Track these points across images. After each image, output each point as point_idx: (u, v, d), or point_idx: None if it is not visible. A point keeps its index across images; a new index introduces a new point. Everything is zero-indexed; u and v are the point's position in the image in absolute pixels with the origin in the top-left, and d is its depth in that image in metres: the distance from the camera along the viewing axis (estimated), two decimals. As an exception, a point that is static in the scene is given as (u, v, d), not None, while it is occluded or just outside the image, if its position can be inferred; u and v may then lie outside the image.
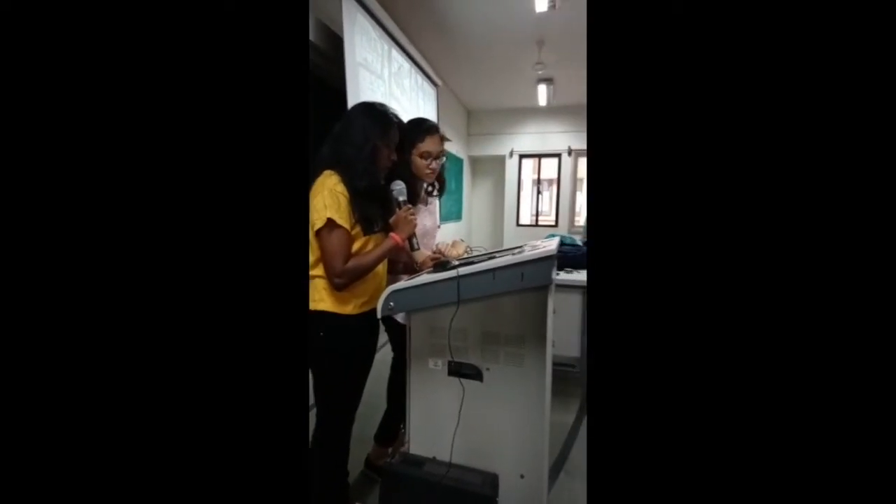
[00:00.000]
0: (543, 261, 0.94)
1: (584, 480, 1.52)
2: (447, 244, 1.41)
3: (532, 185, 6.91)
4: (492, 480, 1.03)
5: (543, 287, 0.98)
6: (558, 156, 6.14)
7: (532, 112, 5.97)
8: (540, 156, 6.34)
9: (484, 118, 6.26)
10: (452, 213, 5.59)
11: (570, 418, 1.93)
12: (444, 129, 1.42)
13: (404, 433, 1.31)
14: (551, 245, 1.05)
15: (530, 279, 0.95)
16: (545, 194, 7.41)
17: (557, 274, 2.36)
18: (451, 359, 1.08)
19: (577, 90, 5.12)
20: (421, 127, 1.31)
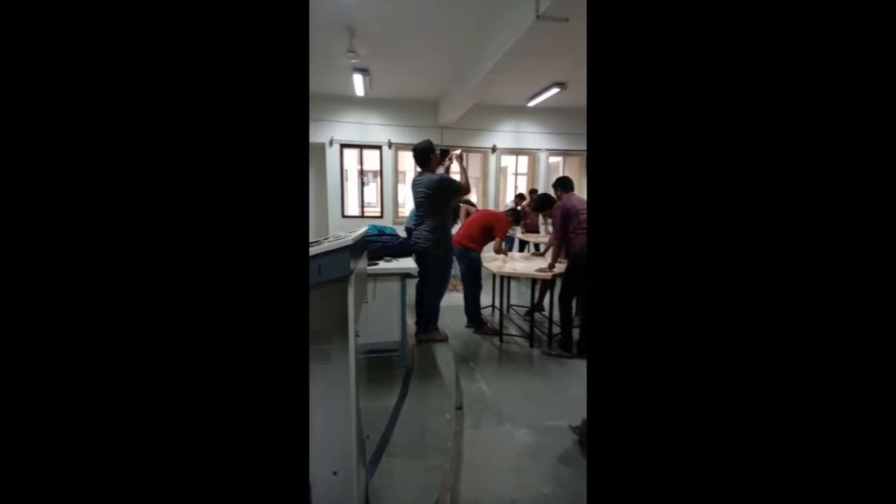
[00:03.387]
0: (339, 252, 0.92)
1: (408, 459, 1.65)
2: None
3: (357, 175, 6.85)
4: (301, 486, 0.97)
5: (343, 279, 0.96)
6: (379, 147, 6.24)
7: (351, 101, 5.87)
8: (361, 146, 6.31)
9: (299, 102, 5.82)
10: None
11: (394, 401, 2.01)
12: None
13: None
14: (349, 236, 1.04)
15: (328, 272, 0.92)
16: (371, 186, 7.45)
17: (377, 263, 2.41)
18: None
19: (394, 84, 5.27)
20: None
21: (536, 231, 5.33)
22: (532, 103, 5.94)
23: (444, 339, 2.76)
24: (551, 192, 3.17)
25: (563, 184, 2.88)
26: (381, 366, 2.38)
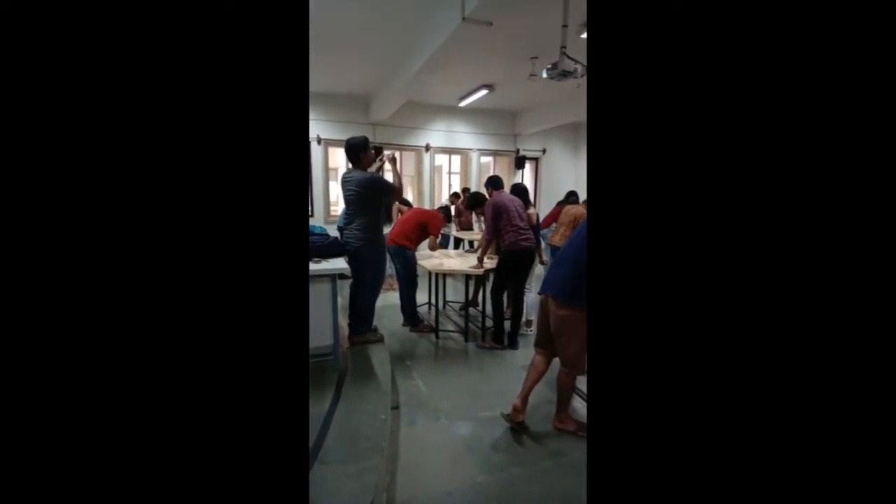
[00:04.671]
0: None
1: (340, 464, 1.60)
2: None
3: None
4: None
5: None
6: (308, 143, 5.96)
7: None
8: (289, 142, 5.97)
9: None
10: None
11: (327, 406, 1.95)
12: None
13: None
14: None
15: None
16: (300, 183, 7.08)
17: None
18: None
19: (324, 78, 5.07)
20: None
21: (470, 229, 5.46)
22: (463, 103, 6.07)
23: (380, 340, 2.72)
24: (483, 191, 3.27)
25: (494, 182, 2.99)
26: (313, 371, 2.29)
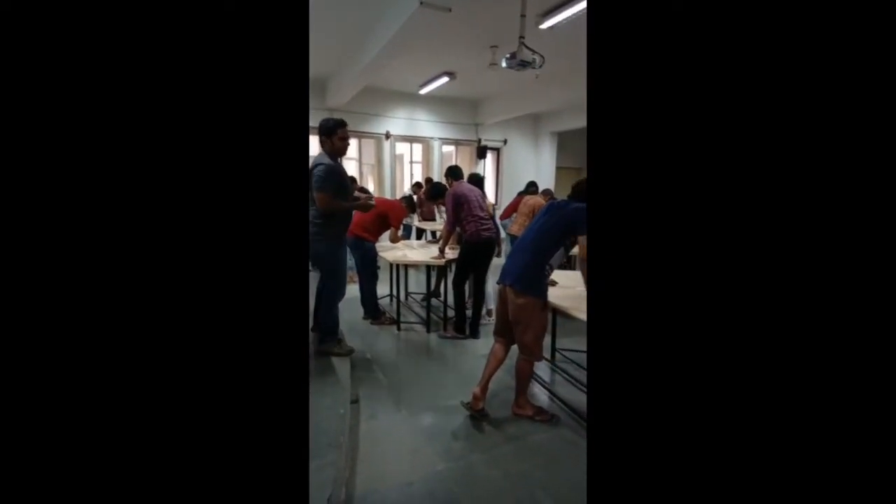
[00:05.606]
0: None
1: None
2: None
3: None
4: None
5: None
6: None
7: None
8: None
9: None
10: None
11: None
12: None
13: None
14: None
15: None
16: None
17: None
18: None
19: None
20: None
21: (433, 219, 5.44)
22: (424, 91, 5.98)
23: (347, 354, 2.40)
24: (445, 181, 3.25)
25: (453, 172, 2.97)
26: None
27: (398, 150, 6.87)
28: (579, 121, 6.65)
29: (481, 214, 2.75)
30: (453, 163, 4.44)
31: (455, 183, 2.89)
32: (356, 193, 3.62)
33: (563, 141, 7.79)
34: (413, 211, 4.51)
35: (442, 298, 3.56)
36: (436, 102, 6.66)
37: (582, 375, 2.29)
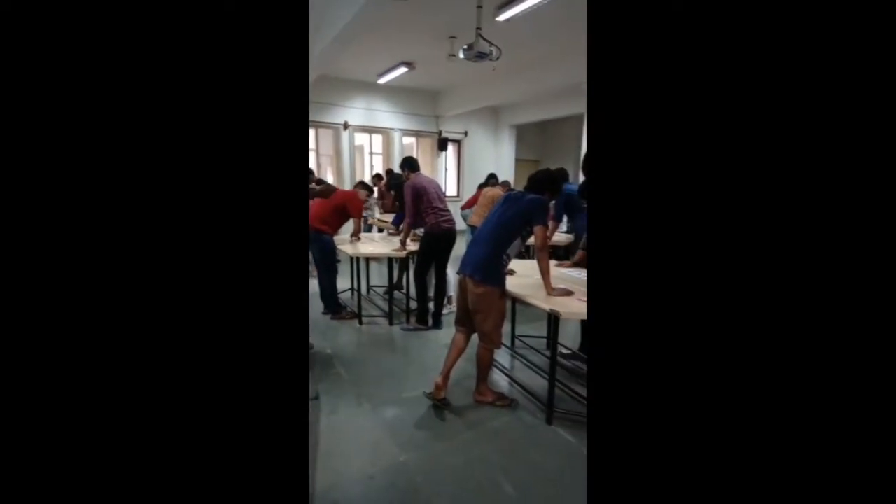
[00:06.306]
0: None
1: None
2: None
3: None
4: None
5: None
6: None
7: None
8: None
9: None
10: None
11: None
12: None
13: None
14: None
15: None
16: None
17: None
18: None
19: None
20: None
21: (394, 211, 5.37)
22: (382, 80, 5.87)
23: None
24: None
25: (409, 164, 2.90)
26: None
27: (357, 141, 6.72)
28: (537, 114, 6.80)
29: (441, 206, 2.75)
30: (415, 154, 4.40)
31: (412, 175, 2.85)
32: (311, 186, 3.51)
33: (522, 133, 7.94)
34: (371, 193, 4.38)
35: (405, 291, 3.55)
36: (395, 93, 6.56)
37: (540, 360, 2.37)
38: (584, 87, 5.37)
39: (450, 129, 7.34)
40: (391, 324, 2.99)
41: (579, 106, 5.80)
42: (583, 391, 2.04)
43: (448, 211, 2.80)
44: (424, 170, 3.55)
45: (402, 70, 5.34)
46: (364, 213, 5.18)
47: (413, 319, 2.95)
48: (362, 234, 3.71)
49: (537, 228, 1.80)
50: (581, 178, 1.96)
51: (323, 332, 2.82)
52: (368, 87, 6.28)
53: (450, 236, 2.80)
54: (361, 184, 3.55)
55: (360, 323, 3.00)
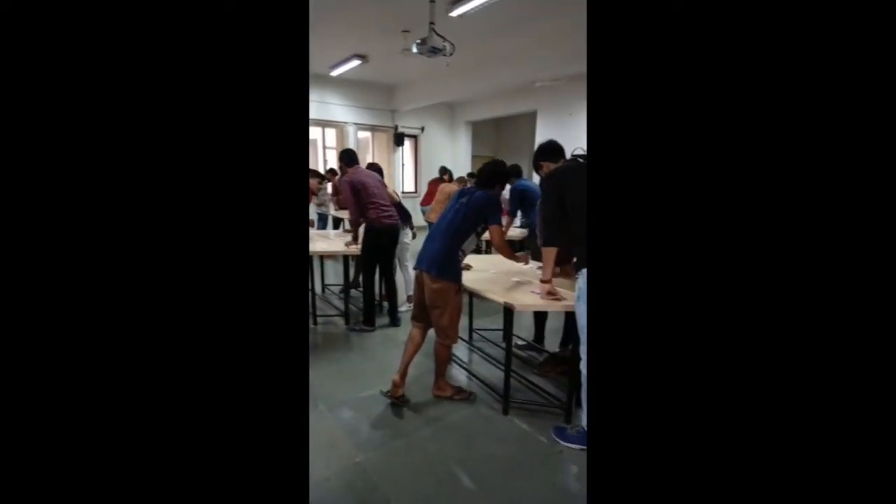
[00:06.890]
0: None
1: None
2: None
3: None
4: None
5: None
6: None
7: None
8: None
9: None
10: None
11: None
12: None
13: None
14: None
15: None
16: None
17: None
18: None
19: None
20: None
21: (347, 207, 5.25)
22: (335, 72, 5.69)
23: None
24: (365, 168, 3.11)
25: (347, 157, 2.76)
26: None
27: (310, 135, 6.48)
28: (492, 111, 6.90)
29: (381, 201, 2.66)
30: (370, 149, 4.30)
31: (350, 170, 2.72)
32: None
33: (478, 130, 8.03)
34: (322, 180, 4.20)
35: (361, 289, 3.48)
36: (350, 86, 6.39)
37: (497, 352, 2.42)
38: (537, 84, 5.52)
39: (406, 125, 7.27)
40: (347, 323, 2.92)
41: (533, 104, 5.95)
42: (537, 380, 2.11)
43: (390, 206, 2.71)
44: (381, 164, 3.47)
45: (356, 63, 5.21)
46: (319, 209, 5.03)
47: (360, 320, 2.86)
48: (318, 231, 3.59)
49: (492, 228, 1.82)
50: (535, 175, 2.01)
51: (275, 334, 2.70)
52: (321, 79, 6.07)
53: (392, 232, 2.72)
54: (311, 171, 3.38)
55: (315, 323, 2.91)
